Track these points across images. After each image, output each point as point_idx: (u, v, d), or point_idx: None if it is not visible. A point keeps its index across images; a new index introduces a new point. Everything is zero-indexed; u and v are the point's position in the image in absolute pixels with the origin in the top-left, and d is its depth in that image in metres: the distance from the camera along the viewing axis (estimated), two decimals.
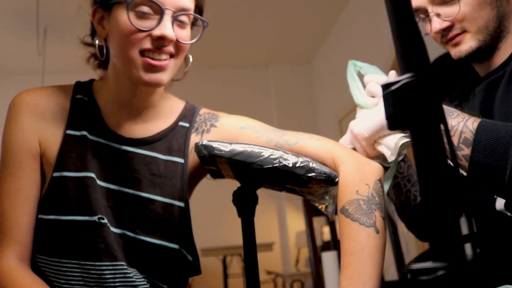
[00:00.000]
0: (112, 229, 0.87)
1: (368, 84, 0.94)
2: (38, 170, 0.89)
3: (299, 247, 4.68)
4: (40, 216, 0.86)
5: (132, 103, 0.92)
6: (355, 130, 0.89)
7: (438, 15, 0.95)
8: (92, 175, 0.87)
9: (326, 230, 3.80)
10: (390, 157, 0.85)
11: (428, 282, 0.38)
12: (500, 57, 0.94)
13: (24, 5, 3.74)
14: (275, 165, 0.80)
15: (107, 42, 0.90)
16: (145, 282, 0.88)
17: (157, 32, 0.81)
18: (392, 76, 0.92)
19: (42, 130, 0.89)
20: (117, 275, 0.85)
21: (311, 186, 0.81)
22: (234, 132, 0.92)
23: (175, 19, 0.84)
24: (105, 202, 0.88)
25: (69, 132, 0.89)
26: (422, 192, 0.42)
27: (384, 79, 0.92)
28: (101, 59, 0.94)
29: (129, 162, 0.90)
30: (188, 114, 0.98)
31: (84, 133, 0.89)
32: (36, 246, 0.86)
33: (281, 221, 5.10)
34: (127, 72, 0.86)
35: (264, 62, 5.31)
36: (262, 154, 0.81)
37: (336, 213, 0.82)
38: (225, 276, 4.30)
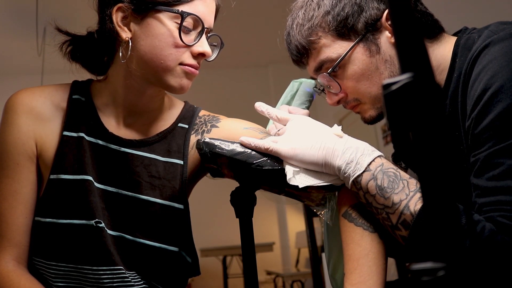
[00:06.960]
0: (110, 232, 0.86)
1: (270, 123, 0.95)
2: (35, 172, 0.88)
3: (299, 247, 4.68)
4: (37, 218, 0.85)
5: (137, 105, 0.91)
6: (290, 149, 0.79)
7: (328, 87, 0.90)
8: (90, 178, 0.86)
9: None
10: (290, 179, 0.77)
11: (429, 282, 0.38)
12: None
13: (23, 5, 3.74)
14: (275, 167, 0.79)
15: (121, 43, 0.85)
16: (143, 285, 0.87)
17: (199, 49, 0.85)
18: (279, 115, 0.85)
19: (38, 131, 0.88)
20: (115, 279, 0.84)
21: (310, 191, 0.80)
22: (238, 133, 0.90)
23: (208, 37, 0.88)
24: (103, 205, 0.86)
25: (66, 133, 0.88)
26: (423, 192, 0.42)
27: (286, 116, 0.85)
28: (102, 60, 0.93)
29: (127, 164, 0.89)
30: (188, 115, 0.97)
31: (82, 134, 0.88)
32: (33, 249, 0.86)
33: (281, 221, 5.10)
34: (152, 77, 0.85)
35: (264, 62, 5.30)
36: (263, 155, 0.80)
37: (333, 218, 0.82)
38: (225, 276, 4.30)
